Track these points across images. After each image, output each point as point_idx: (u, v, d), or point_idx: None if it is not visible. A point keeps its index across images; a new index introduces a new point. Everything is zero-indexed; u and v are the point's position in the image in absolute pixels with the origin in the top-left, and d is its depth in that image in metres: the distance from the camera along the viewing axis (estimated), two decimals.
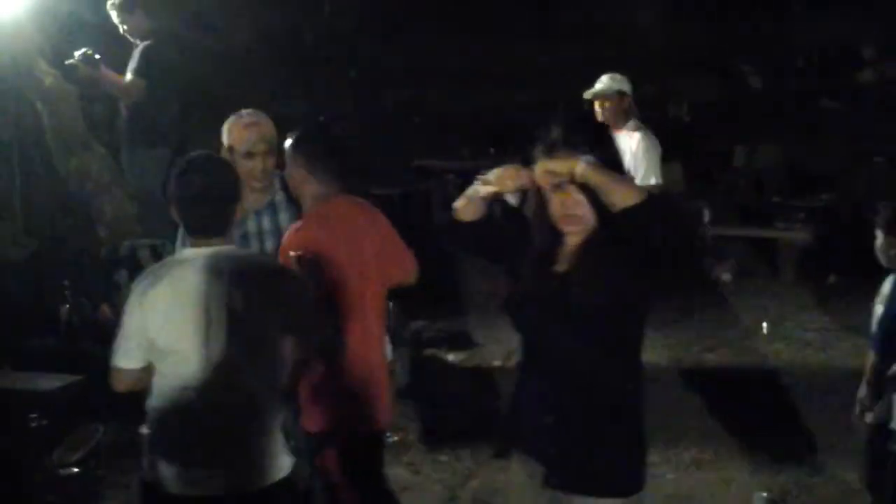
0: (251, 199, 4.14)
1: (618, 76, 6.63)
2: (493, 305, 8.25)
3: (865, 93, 13.67)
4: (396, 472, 5.43)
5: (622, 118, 6.53)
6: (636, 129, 6.55)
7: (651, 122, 13.44)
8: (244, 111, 4.27)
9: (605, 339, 3.01)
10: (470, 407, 6.41)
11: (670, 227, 2.90)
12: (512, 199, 3.56)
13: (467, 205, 3.28)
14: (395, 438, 5.87)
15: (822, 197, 10.30)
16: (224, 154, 4.12)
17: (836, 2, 17.11)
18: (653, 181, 6.36)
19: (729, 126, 13.05)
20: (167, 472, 3.19)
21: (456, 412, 6.33)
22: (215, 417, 3.20)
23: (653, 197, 2.92)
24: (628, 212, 2.86)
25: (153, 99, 7.00)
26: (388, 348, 6.76)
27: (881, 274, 4.37)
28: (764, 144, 11.65)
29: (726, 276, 9.14)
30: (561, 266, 3.11)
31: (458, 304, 8.36)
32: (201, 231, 3.27)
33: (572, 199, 3.04)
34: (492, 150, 11.50)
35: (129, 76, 7.02)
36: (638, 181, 6.09)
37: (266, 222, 4.24)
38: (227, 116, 4.29)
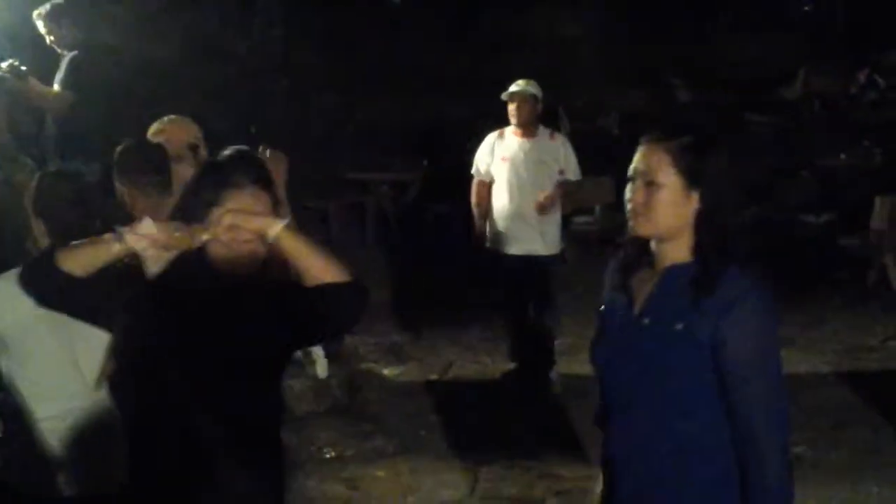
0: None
1: (532, 82, 6.99)
2: (429, 319, 8.32)
3: (792, 107, 13.95)
4: (334, 489, 5.41)
5: (534, 122, 6.95)
6: (552, 132, 7.14)
7: (581, 134, 13.63)
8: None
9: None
10: (407, 421, 6.38)
11: (342, 318, 2.74)
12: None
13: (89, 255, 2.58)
14: (332, 454, 5.83)
15: (748, 210, 10.46)
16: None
17: (763, 17, 17.48)
18: (580, 176, 7.11)
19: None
20: None
21: (393, 427, 6.29)
22: None
23: (355, 283, 2.67)
24: (322, 288, 2.61)
25: (82, 111, 6.87)
26: (324, 363, 6.77)
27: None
28: None
29: None
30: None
31: (394, 318, 8.33)
32: None
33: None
34: (425, 162, 11.51)
35: (57, 88, 6.88)
36: (571, 176, 6.99)
37: None
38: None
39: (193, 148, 4.45)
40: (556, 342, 7.10)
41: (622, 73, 16.18)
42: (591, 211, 10.29)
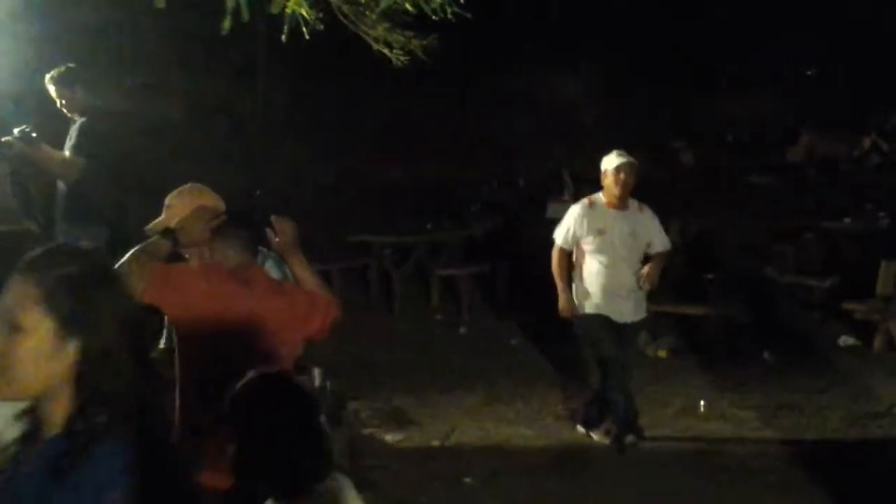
0: None
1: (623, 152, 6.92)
2: (431, 383, 8.28)
3: (795, 169, 14.00)
4: None
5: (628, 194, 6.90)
6: (639, 204, 6.98)
7: (585, 197, 13.61)
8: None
9: None
10: (407, 488, 6.32)
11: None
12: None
13: None
14: None
15: (753, 272, 10.44)
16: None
17: (765, 80, 17.60)
18: (669, 246, 7.10)
19: (662, 202, 13.23)
20: None
21: (393, 494, 6.23)
22: None
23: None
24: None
25: (92, 176, 6.90)
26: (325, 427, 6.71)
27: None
28: (696, 219, 11.82)
29: (662, 353, 9.20)
30: None
31: (397, 382, 8.29)
32: None
33: None
34: (429, 225, 11.53)
35: (67, 153, 6.92)
36: (661, 248, 6.97)
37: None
38: (165, 191, 4.31)
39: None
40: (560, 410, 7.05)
41: (625, 135, 16.27)
42: None
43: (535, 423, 7.47)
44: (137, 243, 3.83)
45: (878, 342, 8.92)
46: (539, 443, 7.12)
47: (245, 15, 6.31)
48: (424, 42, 7.26)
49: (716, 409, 7.76)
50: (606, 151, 7.02)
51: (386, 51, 7.22)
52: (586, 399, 7.15)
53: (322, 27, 6.57)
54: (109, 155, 7.04)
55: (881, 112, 14.78)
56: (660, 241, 6.97)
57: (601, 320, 6.79)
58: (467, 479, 6.42)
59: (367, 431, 7.26)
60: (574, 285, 6.91)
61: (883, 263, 9.00)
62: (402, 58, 7.29)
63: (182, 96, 11.38)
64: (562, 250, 6.88)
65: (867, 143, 14.39)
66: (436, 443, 7.12)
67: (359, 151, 13.18)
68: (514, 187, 14.01)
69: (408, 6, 6.66)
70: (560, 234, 6.89)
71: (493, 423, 7.50)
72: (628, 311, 6.86)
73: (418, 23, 6.90)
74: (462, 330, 10.18)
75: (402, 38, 7.31)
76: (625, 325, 6.87)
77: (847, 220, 11.15)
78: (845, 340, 9.07)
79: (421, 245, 11.06)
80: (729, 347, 9.33)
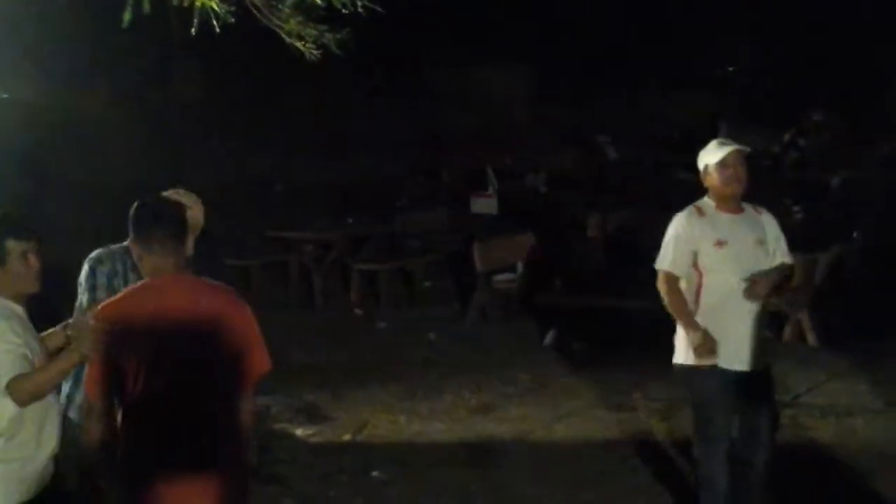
0: None
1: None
2: (346, 378, 8.25)
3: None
4: None
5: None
6: (753, 205, 5.42)
7: (509, 193, 13.71)
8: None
9: None
10: (316, 483, 6.30)
11: None
12: None
13: None
14: None
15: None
16: None
17: (690, 78, 17.83)
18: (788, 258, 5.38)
19: (584, 196, 13.35)
20: None
21: (301, 489, 6.21)
22: None
23: None
24: None
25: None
26: None
27: None
28: (616, 213, 11.92)
29: (577, 346, 9.23)
30: None
31: (311, 378, 8.25)
32: None
33: None
34: (350, 220, 11.51)
35: None
36: (786, 258, 5.32)
37: None
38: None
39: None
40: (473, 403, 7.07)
41: (551, 132, 16.39)
42: (513, 268, 10.33)
43: (447, 418, 7.48)
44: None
45: (787, 333, 9.06)
46: (451, 437, 7.13)
47: (146, 7, 6.24)
48: (339, 36, 7.23)
49: (629, 400, 7.83)
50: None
51: (299, 44, 7.18)
52: None
53: (233, 20, 6.51)
54: (19, 148, 6.97)
55: (799, 109, 15.05)
56: (784, 249, 5.36)
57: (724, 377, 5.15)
58: (376, 473, 6.42)
59: (277, 426, 7.22)
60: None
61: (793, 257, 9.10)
62: (314, 52, 7.25)
63: (98, 89, 11.24)
64: (672, 277, 5.20)
65: (787, 138, 14.66)
66: (347, 437, 7.10)
67: (281, 146, 13.11)
68: (439, 182, 14.04)
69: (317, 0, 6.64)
70: (667, 256, 5.20)
71: (406, 417, 7.49)
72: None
73: (341, 17, 6.86)
74: (381, 325, 10.16)
75: (314, 32, 7.27)
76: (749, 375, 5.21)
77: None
78: None
79: (341, 241, 11.03)
80: (647, 340, 9.40)
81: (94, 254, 4.48)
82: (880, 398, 7.67)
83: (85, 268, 4.46)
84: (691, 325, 5.11)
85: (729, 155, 5.14)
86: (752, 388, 5.19)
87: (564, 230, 11.81)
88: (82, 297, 4.40)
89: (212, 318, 3.77)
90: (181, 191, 4.41)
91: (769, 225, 5.35)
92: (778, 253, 5.31)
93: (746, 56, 18.80)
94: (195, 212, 4.35)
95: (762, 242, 5.26)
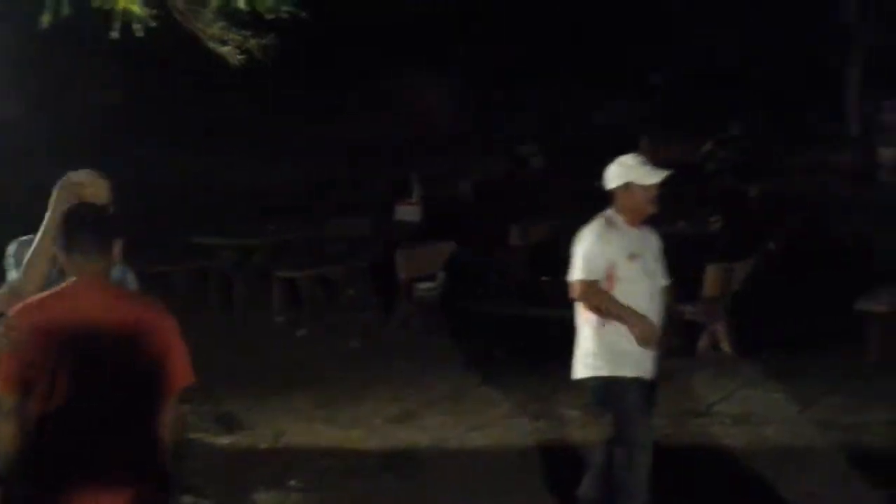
0: None
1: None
2: (264, 386, 8.21)
3: None
4: None
5: None
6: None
7: (435, 201, 13.74)
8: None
9: None
10: (230, 493, 6.26)
11: None
12: None
13: None
14: None
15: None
16: None
17: (615, 87, 18.08)
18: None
19: (507, 205, 13.45)
20: None
21: (215, 499, 6.16)
22: None
23: None
24: None
25: None
26: None
27: None
28: (537, 224, 12.01)
29: (498, 354, 9.28)
30: None
31: (229, 386, 8.19)
32: None
33: None
34: (272, 226, 11.45)
35: None
36: (664, 279, 5.44)
37: None
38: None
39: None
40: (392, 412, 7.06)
41: (478, 140, 16.48)
42: (433, 277, 10.37)
43: (366, 426, 7.47)
44: None
45: (702, 343, 9.21)
46: (369, 444, 7.13)
47: (65, 10, 6.16)
48: (263, 41, 7.19)
49: (547, 408, 7.89)
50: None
51: (223, 50, 7.14)
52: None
53: (154, 24, 6.45)
54: None
55: (721, 121, 15.31)
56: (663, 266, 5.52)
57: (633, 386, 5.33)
58: (293, 482, 6.40)
59: (194, 436, 7.15)
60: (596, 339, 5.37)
61: (709, 267, 9.27)
62: (238, 57, 7.20)
63: (19, 90, 11.05)
64: (593, 286, 5.25)
65: (709, 146, 14.91)
66: (264, 445, 7.07)
67: (205, 151, 13.01)
68: (364, 190, 14.03)
69: (240, 5, 6.60)
70: (584, 265, 5.25)
71: (324, 425, 7.48)
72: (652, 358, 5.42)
73: (266, 22, 6.83)
74: (301, 332, 10.13)
75: (238, 38, 7.22)
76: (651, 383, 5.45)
77: (682, 223, 11.47)
78: (671, 341, 9.30)
79: (263, 247, 10.97)
80: (566, 349, 9.48)
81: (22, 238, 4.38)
82: (794, 406, 7.82)
83: (13, 245, 4.34)
84: (635, 315, 5.20)
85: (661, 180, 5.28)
86: (651, 395, 5.44)
87: (488, 239, 11.88)
88: (11, 273, 4.31)
89: (129, 325, 3.73)
90: (87, 171, 4.32)
91: (657, 243, 5.49)
92: (661, 273, 5.46)
93: (671, 64, 19.11)
94: (96, 189, 4.25)
95: (657, 259, 5.44)
